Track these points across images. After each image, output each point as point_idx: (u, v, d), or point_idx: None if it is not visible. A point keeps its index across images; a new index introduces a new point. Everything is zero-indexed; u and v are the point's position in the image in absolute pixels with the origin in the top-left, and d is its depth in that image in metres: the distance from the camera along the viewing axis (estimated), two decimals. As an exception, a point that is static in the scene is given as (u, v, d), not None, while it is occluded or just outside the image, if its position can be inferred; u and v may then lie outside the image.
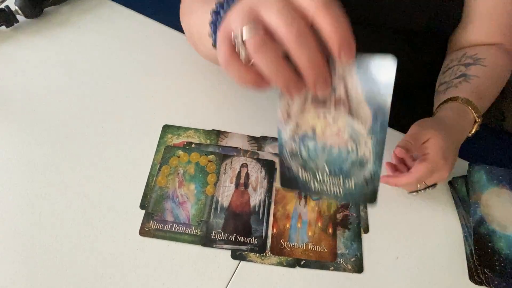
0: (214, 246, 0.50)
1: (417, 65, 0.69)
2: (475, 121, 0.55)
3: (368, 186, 0.34)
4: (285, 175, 0.36)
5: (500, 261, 0.49)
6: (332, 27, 0.27)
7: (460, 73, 0.60)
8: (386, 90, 0.29)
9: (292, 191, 0.42)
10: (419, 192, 0.52)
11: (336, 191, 0.35)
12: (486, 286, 0.48)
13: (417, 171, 0.49)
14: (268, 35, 0.28)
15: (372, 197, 0.34)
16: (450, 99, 0.56)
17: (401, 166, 0.54)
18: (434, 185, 0.52)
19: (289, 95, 0.30)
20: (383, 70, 0.29)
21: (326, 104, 0.32)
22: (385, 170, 0.55)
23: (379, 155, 0.32)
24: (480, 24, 0.63)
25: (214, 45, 0.43)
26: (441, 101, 0.58)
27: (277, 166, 0.48)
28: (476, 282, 0.49)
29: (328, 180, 0.35)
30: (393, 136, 0.55)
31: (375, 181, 0.33)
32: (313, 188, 0.36)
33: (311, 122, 0.33)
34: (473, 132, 0.56)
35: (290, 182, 0.36)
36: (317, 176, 0.35)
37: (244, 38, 0.28)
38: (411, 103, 0.74)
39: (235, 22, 0.29)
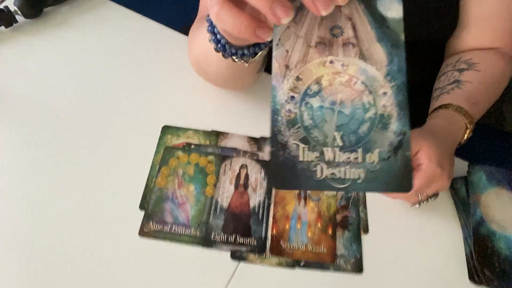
0: (213, 247, 0.50)
1: (417, 72, 0.69)
2: (467, 128, 0.55)
3: (397, 158, 0.26)
4: (277, 159, 0.26)
5: (500, 262, 0.49)
6: None
7: (453, 79, 0.60)
8: (397, 26, 0.27)
9: (289, 190, 0.34)
10: (421, 204, 0.52)
11: (356, 174, 0.26)
12: (486, 286, 0.48)
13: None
14: None
15: (406, 179, 0.25)
16: (441, 107, 0.56)
17: None
18: (435, 195, 0.52)
19: (276, 19, 0.27)
20: (390, 7, 0.27)
21: (333, 48, 0.27)
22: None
23: (403, 106, 0.26)
24: (475, 30, 0.62)
25: (218, 50, 0.44)
26: (433, 108, 0.57)
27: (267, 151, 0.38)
28: (476, 283, 0.49)
29: (343, 158, 0.26)
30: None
31: (405, 148, 0.26)
32: (319, 175, 0.26)
33: (315, 72, 0.27)
34: (465, 138, 0.55)
35: (285, 172, 0.26)
36: (326, 154, 0.26)
37: None
38: (413, 106, 0.73)
39: None
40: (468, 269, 0.50)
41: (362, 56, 0.27)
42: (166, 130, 0.59)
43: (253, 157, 0.57)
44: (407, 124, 0.26)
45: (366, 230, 0.52)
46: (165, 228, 0.51)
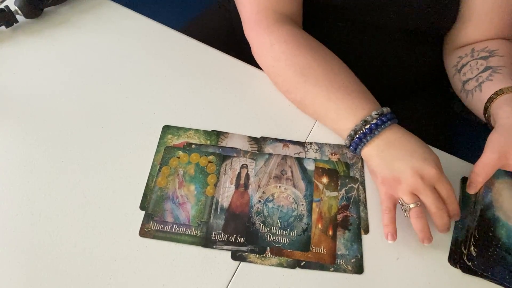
0: (214, 247, 0.50)
1: (416, 65, 0.69)
2: None
3: (304, 235, 0.51)
4: (249, 232, 0.51)
5: (496, 246, 0.50)
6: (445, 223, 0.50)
7: (482, 67, 0.58)
8: (311, 173, 0.55)
9: (253, 248, 0.51)
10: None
11: (284, 240, 0.51)
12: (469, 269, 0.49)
13: None
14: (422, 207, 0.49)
15: (306, 245, 0.51)
16: (496, 93, 0.53)
17: None
18: None
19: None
20: (309, 164, 0.56)
21: (281, 180, 0.55)
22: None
23: (310, 212, 0.53)
24: (478, 23, 0.62)
25: (351, 150, 0.55)
26: (485, 100, 0.54)
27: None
28: (455, 262, 0.50)
29: (279, 232, 0.51)
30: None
31: (308, 231, 0.51)
32: (268, 240, 0.51)
33: (271, 190, 0.54)
34: None
35: (253, 239, 0.51)
36: (272, 229, 0.51)
37: (410, 207, 0.49)
38: (412, 103, 0.74)
39: (405, 197, 0.49)
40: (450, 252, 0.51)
41: (294, 185, 0.55)
42: (167, 129, 0.59)
43: (253, 156, 0.57)
44: (310, 219, 0.52)
45: (366, 230, 0.52)
46: (165, 228, 0.51)
